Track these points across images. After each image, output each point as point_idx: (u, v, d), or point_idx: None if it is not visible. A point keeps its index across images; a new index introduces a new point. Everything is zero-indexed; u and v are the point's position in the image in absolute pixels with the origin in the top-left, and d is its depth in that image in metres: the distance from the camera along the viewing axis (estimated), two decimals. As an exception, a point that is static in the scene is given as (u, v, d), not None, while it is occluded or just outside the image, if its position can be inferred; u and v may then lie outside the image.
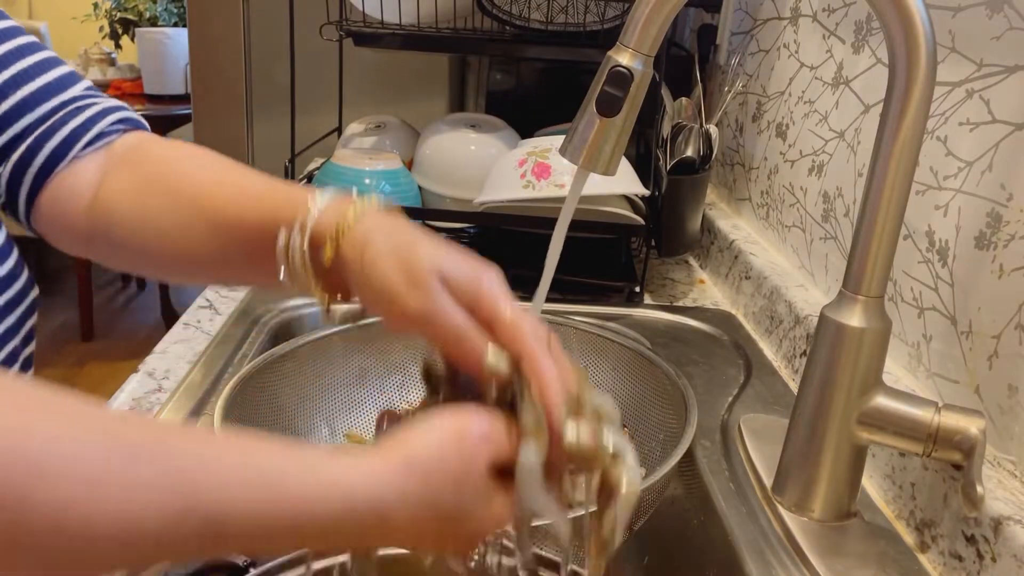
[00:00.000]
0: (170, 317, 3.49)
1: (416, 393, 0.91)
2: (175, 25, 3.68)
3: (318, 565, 0.55)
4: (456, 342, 0.49)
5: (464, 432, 0.44)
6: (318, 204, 0.53)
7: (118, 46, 3.77)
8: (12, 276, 0.59)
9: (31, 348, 0.63)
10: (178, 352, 0.94)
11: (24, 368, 0.62)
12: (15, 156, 0.61)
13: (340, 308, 0.56)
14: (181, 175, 0.61)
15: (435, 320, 0.49)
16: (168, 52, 3.44)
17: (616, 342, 0.88)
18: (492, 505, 0.45)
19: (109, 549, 0.36)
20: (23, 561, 0.35)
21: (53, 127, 0.61)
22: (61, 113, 0.62)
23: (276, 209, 0.55)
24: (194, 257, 0.61)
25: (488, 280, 0.50)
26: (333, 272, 0.52)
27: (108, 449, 0.36)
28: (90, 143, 0.62)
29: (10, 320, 0.59)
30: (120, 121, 0.64)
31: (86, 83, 0.66)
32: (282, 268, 0.54)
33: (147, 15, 3.73)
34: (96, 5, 3.77)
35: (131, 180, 0.61)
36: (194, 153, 0.63)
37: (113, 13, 3.75)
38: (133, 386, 0.87)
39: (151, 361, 0.92)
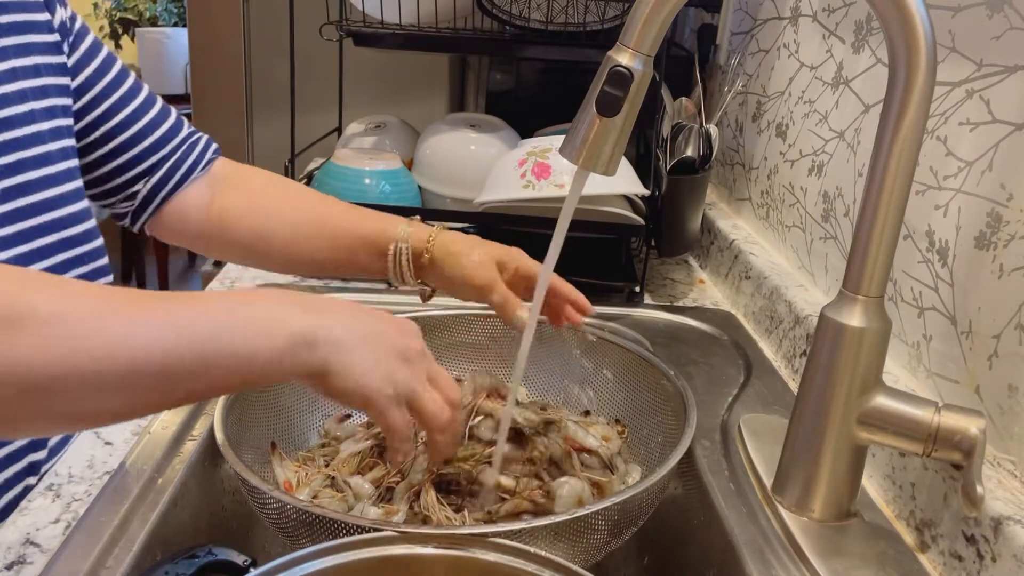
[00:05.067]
0: (170, 317, 3.48)
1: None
2: (175, 25, 3.69)
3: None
4: (501, 305, 0.78)
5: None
6: (408, 225, 0.81)
7: (118, 46, 3.77)
8: (103, 270, 0.81)
9: None
10: (178, 352, 0.94)
11: None
12: (153, 180, 0.85)
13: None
14: (283, 200, 0.87)
15: (493, 288, 0.78)
16: (168, 52, 3.44)
17: (616, 343, 0.88)
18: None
19: (123, 378, 0.48)
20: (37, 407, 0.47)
21: (180, 159, 0.86)
22: (183, 148, 0.87)
23: (382, 228, 0.82)
24: (314, 261, 0.86)
25: (521, 260, 0.81)
26: (421, 270, 0.82)
27: (107, 298, 0.50)
28: (202, 169, 0.88)
29: None
30: (214, 151, 0.90)
31: (181, 118, 0.89)
32: (391, 268, 0.81)
33: (147, 15, 3.74)
34: (96, 5, 3.77)
35: (243, 200, 0.87)
36: (280, 181, 0.91)
37: (113, 13, 3.76)
38: (133, 386, 0.87)
39: (151, 361, 0.92)
